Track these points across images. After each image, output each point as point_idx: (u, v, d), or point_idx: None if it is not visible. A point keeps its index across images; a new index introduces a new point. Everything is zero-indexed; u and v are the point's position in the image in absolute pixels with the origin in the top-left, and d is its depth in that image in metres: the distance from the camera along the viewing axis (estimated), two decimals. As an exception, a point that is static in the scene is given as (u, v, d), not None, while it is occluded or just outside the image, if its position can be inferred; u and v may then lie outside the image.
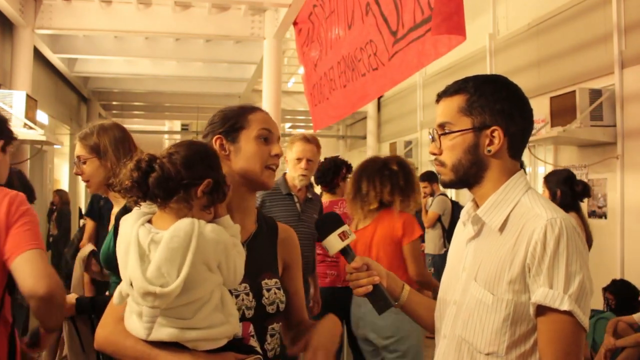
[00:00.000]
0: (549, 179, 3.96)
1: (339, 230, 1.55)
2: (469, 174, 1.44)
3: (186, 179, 1.36)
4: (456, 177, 1.45)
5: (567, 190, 3.75)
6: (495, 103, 1.41)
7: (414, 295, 1.64)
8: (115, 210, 2.40)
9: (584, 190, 3.81)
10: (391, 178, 3.19)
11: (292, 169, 3.66)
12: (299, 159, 3.60)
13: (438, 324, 1.55)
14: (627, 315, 4.97)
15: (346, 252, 1.56)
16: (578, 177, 6.34)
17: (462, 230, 1.54)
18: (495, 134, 1.41)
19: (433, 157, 1.50)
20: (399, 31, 3.15)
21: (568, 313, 1.27)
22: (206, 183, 1.39)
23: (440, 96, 1.49)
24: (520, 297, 1.33)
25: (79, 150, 2.44)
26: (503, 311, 1.34)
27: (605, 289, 5.29)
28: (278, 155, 1.63)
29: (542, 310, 1.30)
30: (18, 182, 4.41)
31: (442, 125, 1.46)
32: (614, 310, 5.20)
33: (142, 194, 1.36)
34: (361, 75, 3.80)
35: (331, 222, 1.57)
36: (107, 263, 2.36)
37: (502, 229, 1.39)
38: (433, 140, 1.49)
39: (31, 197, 4.59)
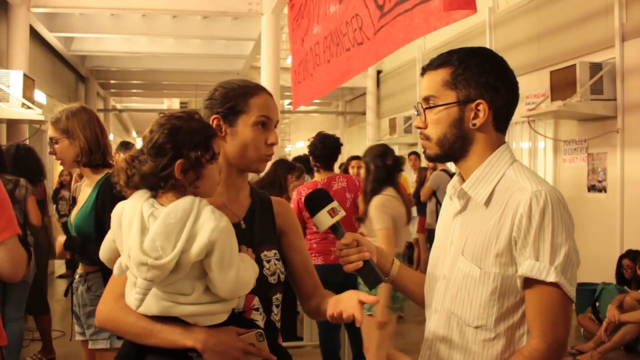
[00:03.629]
0: (365, 154, 3.98)
1: (329, 207, 1.54)
2: (454, 148, 1.44)
3: (159, 172, 1.37)
4: (441, 151, 1.45)
5: (381, 164, 3.74)
6: (480, 76, 1.40)
7: (404, 270, 1.64)
8: (86, 182, 2.72)
9: (395, 164, 3.78)
10: None
11: None
12: None
13: (428, 299, 1.56)
14: (635, 290, 5.00)
15: (336, 229, 1.55)
16: (578, 152, 6.35)
17: (450, 205, 1.54)
18: (480, 107, 1.40)
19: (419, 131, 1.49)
20: (386, 5, 3.09)
21: (554, 285, 1.27)
22: (179, 165, 1.38)
23: (425, 69, 1.48)
24: (507, 270, 1.33)
25: (51, 132, 2.68)
26: (490, 284, 1.35)
27: (622, 257, 5.32)
28: (273, 144, 1.63)
29: (529, 282, 1.31)
30: (10, 161, 4.40)
31: (426, 99, 1.45)
32: (627, 280, 5.25)
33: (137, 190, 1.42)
34: (345, 49, 3.75)
35: (320, 198, 1.57)
36: (78, 228, 2.60)
37: (487, 202, 1.39)
38: (418, 114, 1.47)
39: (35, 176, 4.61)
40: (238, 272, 1.37)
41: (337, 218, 1.54)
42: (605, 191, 6.02)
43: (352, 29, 3.58)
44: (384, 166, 3.70)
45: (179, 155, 1.38)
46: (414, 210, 7.31)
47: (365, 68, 3.84)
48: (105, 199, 2.48)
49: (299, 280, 1.71)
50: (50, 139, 2.67)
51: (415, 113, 1.49)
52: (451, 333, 1.43)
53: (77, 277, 2.71)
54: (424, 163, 8.33)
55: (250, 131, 1.58)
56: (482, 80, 1.39)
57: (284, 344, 1.65)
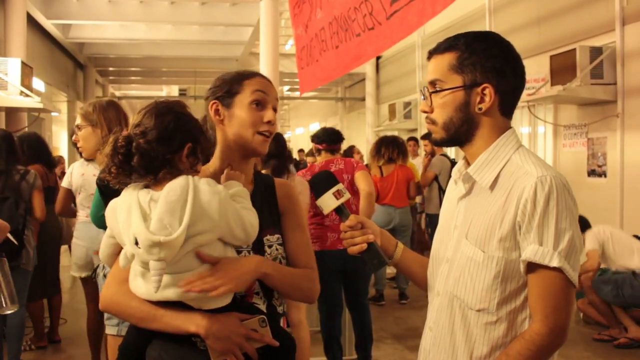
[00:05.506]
0: None
1: (334, 189, 1.55)
2: (460, 132, 1.44)
3: (167, 154, 1.43)
4: (447, 135, 1.45)
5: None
6: (486, 60, 1.40)
7: (407, 252, 1.65)
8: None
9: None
10: None
11: None
12: None
13: (431, 281, 1.57)
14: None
15: (341, 211, 1.56)
16: (578, 136, 6.34)
17: (454, 189, 1.54)
18: (486, 91, 1.40)
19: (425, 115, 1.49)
20: None
21: (558, 269, 1.28)
22: (187, 150, 1.46)
23: (431, 53, 1.48)
24: (510, 254, 1.34)
25: (78, 120, 2.83)
26: (494, 268, 1.35)
27: None
28: (271, 122, 1.63)
29: (532, 267, 1.32)
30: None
31: (433, 83, 1.46)
32: None
33: (129, 177, 1.45)
34: (355, 35, 3.77)
35: (325, 180, 1.57)
36: (96, 222, 2.63)
37: (492, 187, 1.39)
38: (424, 98, 1.48)
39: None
40: (247, 220, 1.47)
41: (342, 200, 1.55)
42: (605, 176, 6.03)
43: (362, 14, 3.60)
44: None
45: (190, 139, 1.46)
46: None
47: (380, 52, 3.90)
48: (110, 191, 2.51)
49: (291, 262, 1.70)
50: (76, 126, 2.84)
51: (422, 97, 1.49)
52: (453, 316, 1.44)
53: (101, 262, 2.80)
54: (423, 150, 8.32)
55: (246, 111, 1.61)
56: (489, 65, 1.40)
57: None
